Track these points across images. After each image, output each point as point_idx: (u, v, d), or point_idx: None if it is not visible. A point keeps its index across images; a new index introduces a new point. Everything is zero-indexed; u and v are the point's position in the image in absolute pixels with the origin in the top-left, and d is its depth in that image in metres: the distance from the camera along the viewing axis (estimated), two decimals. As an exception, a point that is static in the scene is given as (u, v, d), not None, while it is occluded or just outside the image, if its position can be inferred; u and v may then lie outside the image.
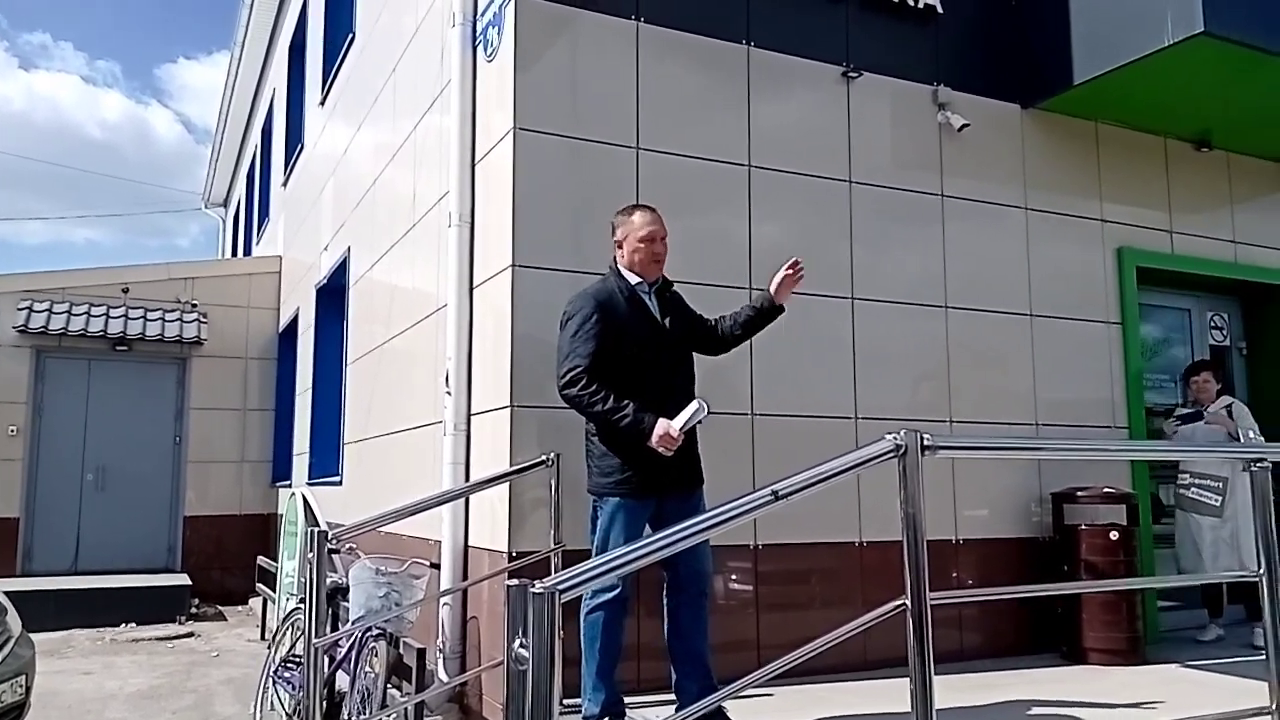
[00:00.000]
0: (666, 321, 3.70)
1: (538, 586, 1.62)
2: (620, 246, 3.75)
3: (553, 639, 1.60)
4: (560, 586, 1.64)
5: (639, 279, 3.70)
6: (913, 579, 2.04)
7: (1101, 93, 5.44)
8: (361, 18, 7.97)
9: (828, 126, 5.09)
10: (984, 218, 5.46)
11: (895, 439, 2.08)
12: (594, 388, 3.46)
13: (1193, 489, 5.55)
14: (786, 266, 3.79)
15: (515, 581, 1.69)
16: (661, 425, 3.39)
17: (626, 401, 3.44)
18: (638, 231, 3.70)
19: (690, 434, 3.56)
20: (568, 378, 3.51)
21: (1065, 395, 5.55)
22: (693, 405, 3.44)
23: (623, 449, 3.50)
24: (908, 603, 2.04)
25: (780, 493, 1.96)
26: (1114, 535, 4.86)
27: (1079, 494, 5.02)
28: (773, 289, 3.81)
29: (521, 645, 1.63)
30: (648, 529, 3.63)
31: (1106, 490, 5.00)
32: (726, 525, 1.98)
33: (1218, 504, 5.45)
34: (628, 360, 3.54)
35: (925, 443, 2.08)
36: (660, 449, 3.39)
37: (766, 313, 3.84)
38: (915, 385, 5.13)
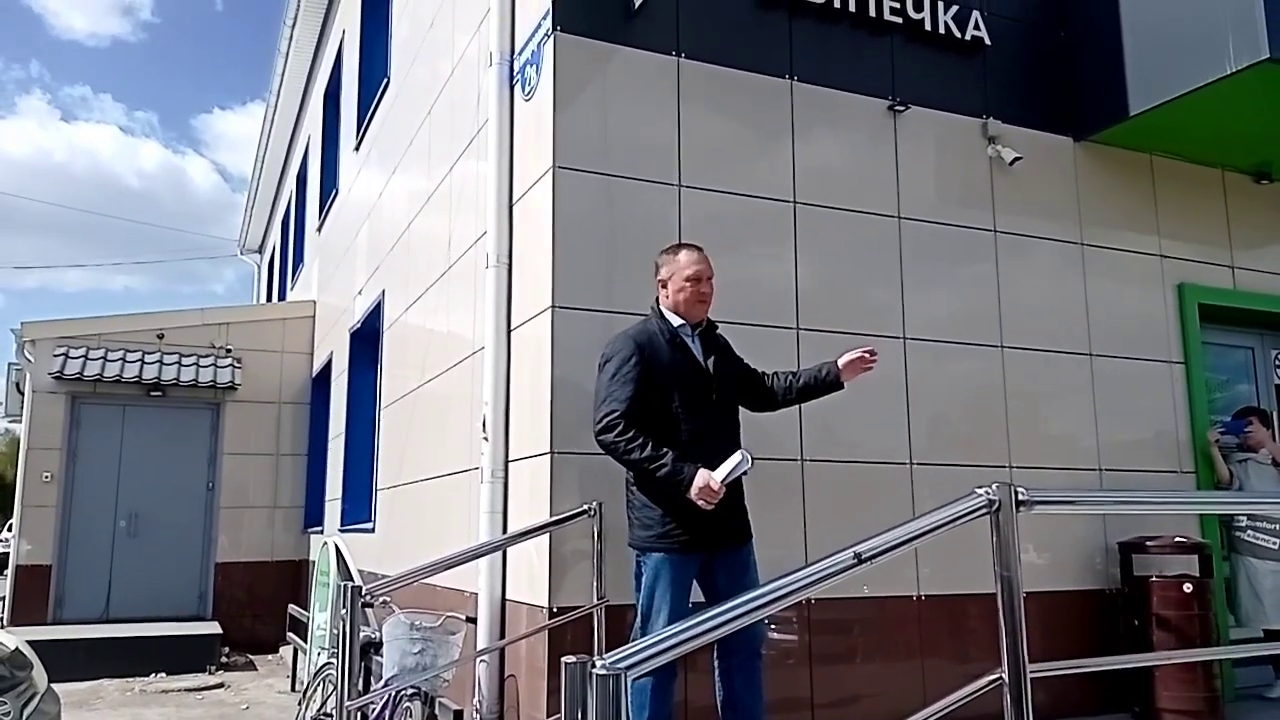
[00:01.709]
0: (710, 366, 3.53)
1: (600, 666, 1.43)
2: (664, 286, 3.60)
3: (618, 727, 1.40)
4: (625, 664, 1.45)
5: (681, 321, 3.54)
6: (1010, 648, 1.82)
7: (1158, 124, 5.25)
8: (396, 63, 7.97)
9: (875, 161, 4.93)
10: (1039, 254, 5.26)
11: (988, 493, 1.88)
12: (631, 434, 3.28)
13: (1249, 531, 5.27)
14: (864, 350, 3.64)
15: (572, 658, 1.50)
16: (702, 477, 3.19)
17: (665, 450, 3.25)
18: (684, 270, 3.55)
19: (736, 485, 3.36)
20: (604, 423, 3.34)
21: (1128, 438, 5.29)
22: (736, 456, 3.23)
23: (665, 500, 3.30)
24: (1005, 675, 1.82)
25: (863, 555, 1.77)
26: (1187, 588, 4.58)
27: (1149, 544, 4.74)
28: (841, 364, 3.64)
29: (582, 733, 1.44)
30: (695, 586, 3.44)
31: (1178, 540, 4.72)
32: (807, 591, 1.79)
33: (1276, 547, 5.17)
34: (669, 405, 3.37)
35: (1021, 497, 1.87)
36: (700, 502, 3.18)
37: (828, 385, 3.68)
38: (971, 428, 4.90)
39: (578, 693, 1.49)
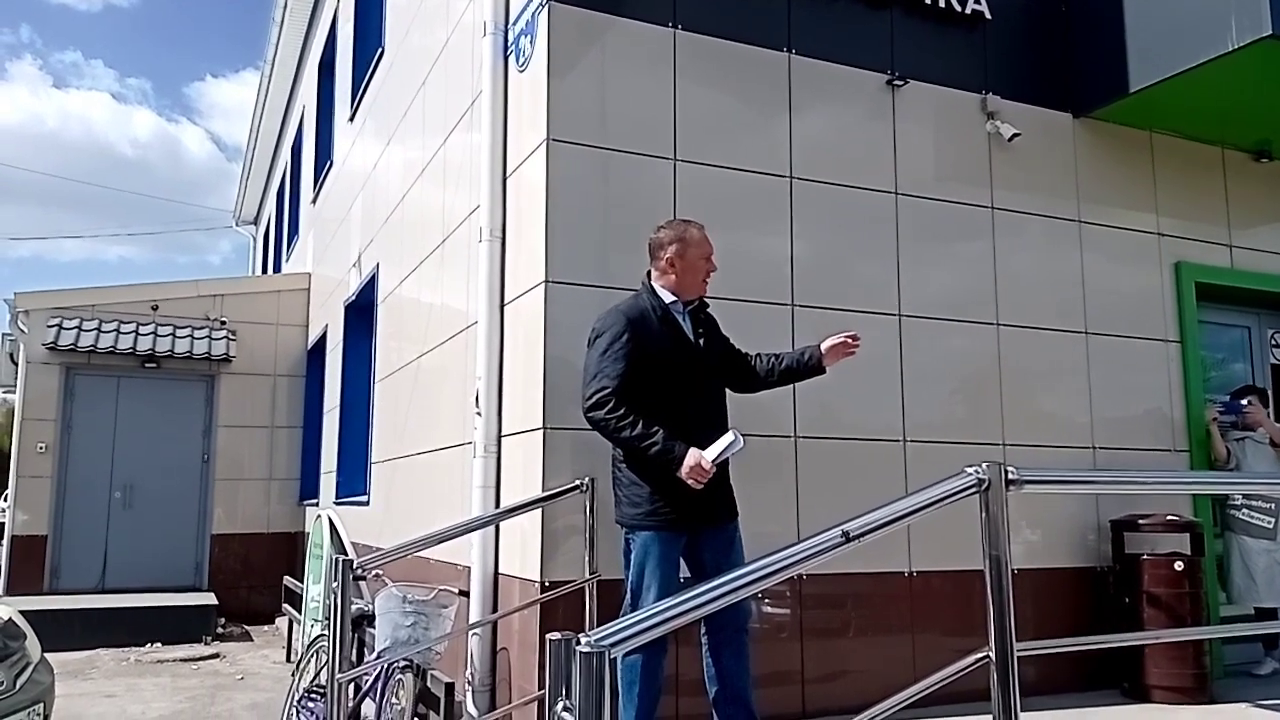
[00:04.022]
0: (701, 343, 3.51)
1: (584, 643, 1.43)
2: (669, 263, 3.50)
3: (601, 704, 1.40)
4: (608, 642, 1.45)
5: (674, 297, 3.51)
6: (997, 628, 1.82)
7: (1158, 101, 5.20)
8: (391, 33, 7.88)
9: (872, 136, 4.89)
10: (1036, 231, 5.23)
11: (977, 472, 1.87)
12: (622, 411, 3.24)
13: (1243, 510, 5.29)
14: (847, 335, 3.61)
15: (557, 635, 1.49)
16: (693, 456, 3.17)
17: (656, 427, 3.22)
18: (699, 248, 3.52)
19: (723, 464, 3.35)
20: (595, 399, 3.29)
21: (1122, 416, 5.30)
22: (728, 436, 3.21)
23: (653, 477, 3.28)
24: (991, 653, 1.82)
25: (851, 534, 1.76)
26: (1178, 566, 4.60)
27: (1141, 522, 4.75)
28: (824, 348, 3.61)
29: (566, 709, 1.44)
30: (682, 563, 3.44)
31: (1170, 518, 4.73)
32: (796, 569, 1.78)
33: (1270, 526, 5.19)
34: (660, 383, 3.34)
35: (1010, 476, 1.87)
36: (690, 481, 3.17)
37: (810, 369, 3.66)
38: (965, 406, 4.89)
39: (563, 670, 1.48)
